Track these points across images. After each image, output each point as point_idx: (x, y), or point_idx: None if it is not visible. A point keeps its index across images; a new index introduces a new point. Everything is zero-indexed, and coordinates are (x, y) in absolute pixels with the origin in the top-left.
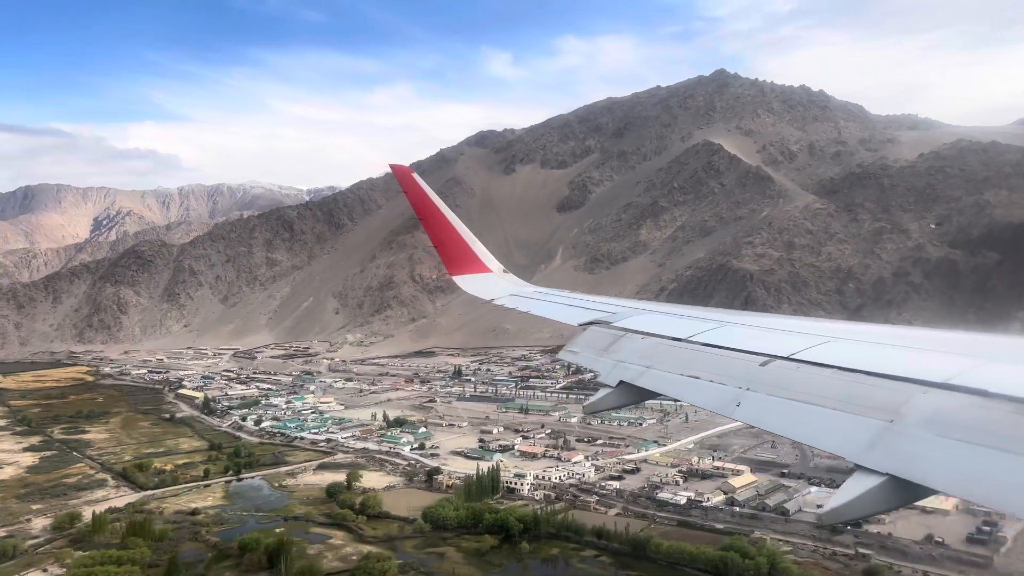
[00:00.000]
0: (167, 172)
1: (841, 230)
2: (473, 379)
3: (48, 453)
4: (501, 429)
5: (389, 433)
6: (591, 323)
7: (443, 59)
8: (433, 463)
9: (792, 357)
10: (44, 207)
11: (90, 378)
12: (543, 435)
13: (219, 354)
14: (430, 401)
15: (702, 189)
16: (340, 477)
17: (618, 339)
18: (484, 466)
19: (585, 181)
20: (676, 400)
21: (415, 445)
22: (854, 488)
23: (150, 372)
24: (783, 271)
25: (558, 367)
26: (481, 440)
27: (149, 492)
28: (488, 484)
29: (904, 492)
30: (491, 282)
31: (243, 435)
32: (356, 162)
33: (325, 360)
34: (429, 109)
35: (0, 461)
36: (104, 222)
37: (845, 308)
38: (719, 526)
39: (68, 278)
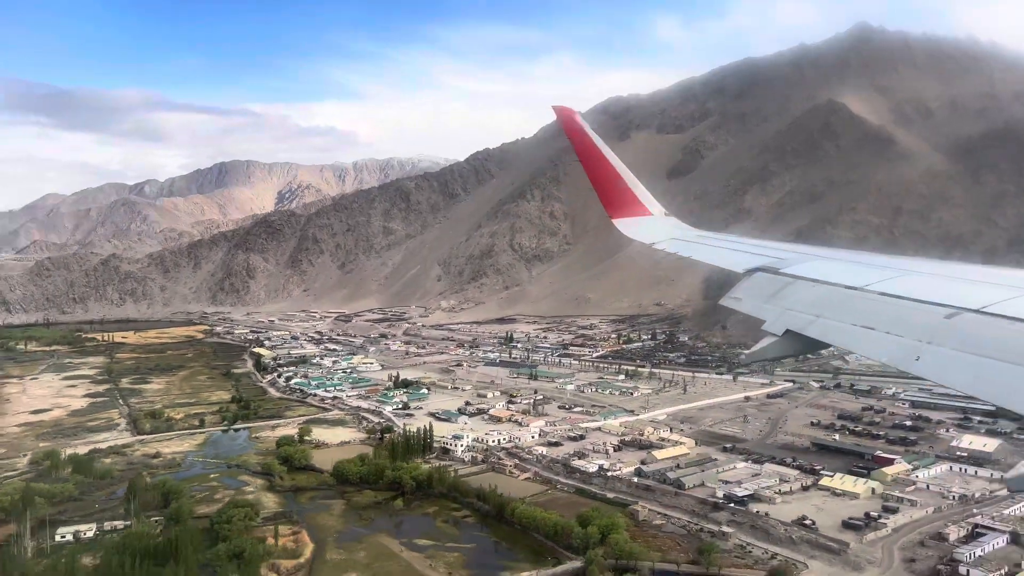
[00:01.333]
0: (345, 148)
1: (960, 194)
2: (519, 346)
3: (100, 400)
4: (497, 394)
5: (387, 393)
6: (757, 269)
7: (608, 26)
8: (405, 422)
9: (984, 310)
10: (236, 181)
11: (200, 336)
12: (530, 400)
13: (325, 317)
14: (457, 364)
15: (816, 152)
16: (316, 431)
17: (786, 286)
18: (449, 427)
19: (699, 146)
20: (847, 351)
21: (399, 406)
22: None
23: (251, 331)
24: (878, 239)
25: (611, 336)
26: (467, 403)
27: (141, 437)
28: (418, 444)
29: None
30: (652, 225)
31: (272, 390)
32: (518, 132)
33: (407, 324)
34: (593, 77)
35: (57, 404)
36: (286, 195)
37: None
38: (610, 495)
39: (208, 245)
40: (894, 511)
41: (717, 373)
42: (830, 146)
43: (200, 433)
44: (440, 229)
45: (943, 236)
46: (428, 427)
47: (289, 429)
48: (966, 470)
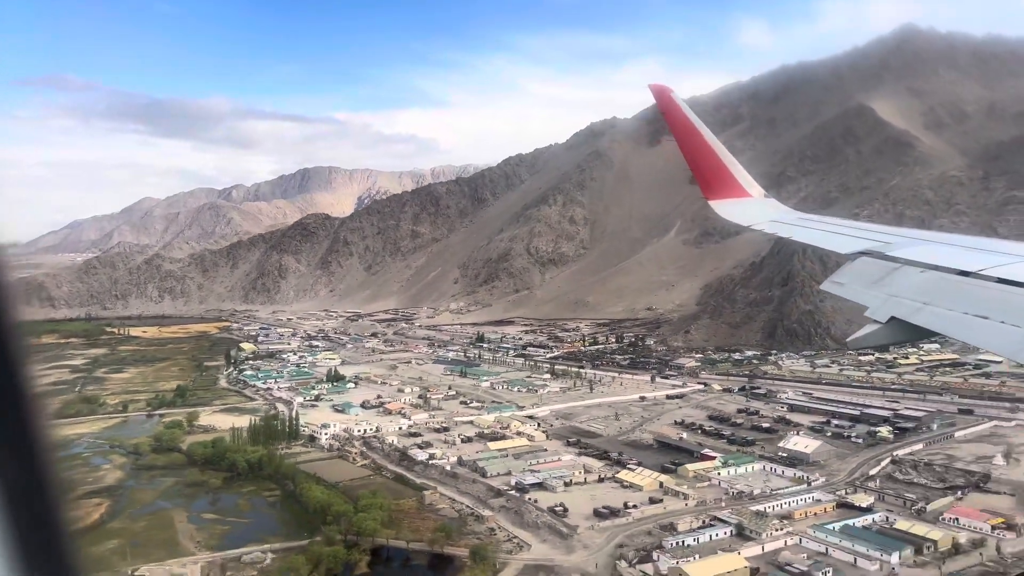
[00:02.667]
0: (425, 154)
1: (967, 200)
2: (485, 345)
3: (60, 387)
4: (415, 389)
5: (311, 386)
6: (861, 253)
7: (694, 31)
8: (296, 411)
9: None
10: (317, 187)
11: (216, 331)
12: (440, 395)
13: (339, 316)
14: (407, 362)
15: (836, 158)
16: (218, 418)
17: (892, 271)
18: (341, 417)
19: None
20: (956, 340)
21: (313, 398)
22: None
23: (260, 327)
24: None
25: (583, 338)
26: (379, 396)
27: (58, 420)
28: (283, 430)
29: None
30: (751, 207)
31: (222, 381)
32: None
33: (404, 324)
34: (678, 83)
35: None
36: (365, 199)
37: None
38: (418, 481)
39: (247, 246)
40: (658, 502)
41: (652, 375)
42: (851, 151)
43: (119, 417)
44: (465, 233)
45: None
46: (294, 415)
47: (205, 416)
48: (776, 469)
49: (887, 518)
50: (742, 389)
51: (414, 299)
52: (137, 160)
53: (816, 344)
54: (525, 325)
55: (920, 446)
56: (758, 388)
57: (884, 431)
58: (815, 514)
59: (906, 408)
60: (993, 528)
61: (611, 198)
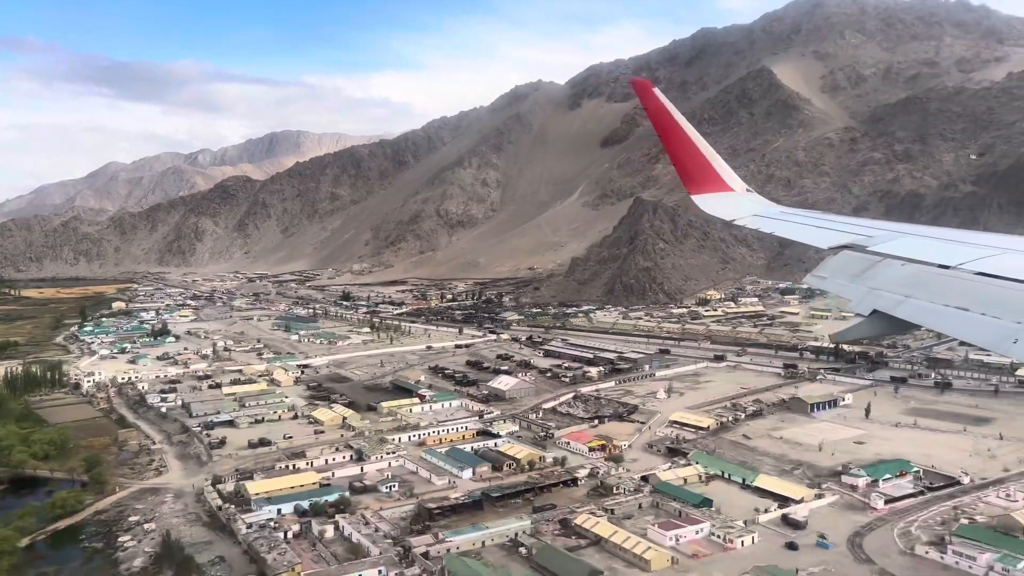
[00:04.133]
0: (399, 119)
1: (832, 161)
2: (345, 304)
3: None
4: (230, 342)
5: (131, 340)
6: (843, 247)
7: None
8: (100, 362)
9: None
10: (285, 151)
11: (112, 292)
12: (247, 347)
13: (242, 278)
14: (250, 319)
15: (731, 120)
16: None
17: (873, 265)
18: (126, 367)
19: (637, 115)
20: (939, 333)
21: (117, 350)
22: None
23: (156, 288)
24: None
25: (446, 296)
26: (185, 348)
27: None
28: (48, 378)
29: None
30: (732, 201)
31: (59, 338)
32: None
33: (295, 285)
34: (657, 46)
35: None
36: None
37: (765, 252)
38: (133, 421)
39: (167, 209)
40: (320, 433)
41: (460, 328)
42: (744, 114)
43: None
44: (384, 195)
45: (798, 204)
46: (57, 364)
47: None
48: (469, 404)
49: (505, 442)
50: (529, 339)
51: (325, 261)
52: (106, 124)
53: (649, 299)
54: (413, 285)
55: (612, 383)
56: (536, 337)
57: (594, 372)
58: (462, 439)
59: (632, 352)
60: (590, 449)
61: (526, 161)
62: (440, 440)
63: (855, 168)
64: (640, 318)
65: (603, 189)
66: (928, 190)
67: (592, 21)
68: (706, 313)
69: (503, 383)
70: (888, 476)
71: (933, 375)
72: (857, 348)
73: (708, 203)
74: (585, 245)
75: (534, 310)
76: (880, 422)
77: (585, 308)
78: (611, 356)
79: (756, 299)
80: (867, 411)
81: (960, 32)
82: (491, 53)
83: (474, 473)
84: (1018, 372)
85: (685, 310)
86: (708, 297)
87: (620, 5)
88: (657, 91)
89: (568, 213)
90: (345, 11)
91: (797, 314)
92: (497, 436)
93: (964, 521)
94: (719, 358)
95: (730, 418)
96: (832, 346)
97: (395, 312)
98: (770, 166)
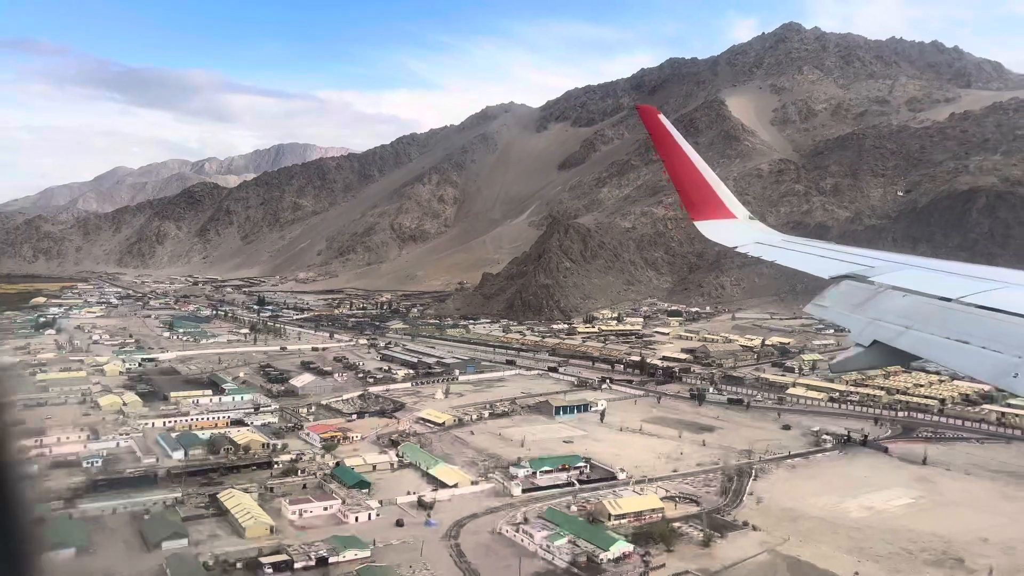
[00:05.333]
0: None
1: (756, 192)
2: (256, 307)
3: None
4: (106, 336)
5: (3, 332)
6: (844, 276)
7: (685, 26)
8: None
9: None
10: (291, 163)
11: (56, 289)
12: (114, 342)
13: (190, 281)
14: (147, 316)
15: None
16: None
17: (875, 295)
18: None
19: (596, 139)
20: (939, 365)
21: None
22: None
23: (97, 288)
24: (661, 231)
25: (364, 306)
26: (56, 340)
27: None
28: None
29: None
30: (735, 229)
31: None
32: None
33: (229, 289)
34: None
35: None
36: None
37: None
38: None
39: (133, 212)
40: (87, 416)
41: (331, 332)
42: (690, 143)
43: None
44: (345, 207)
45: (702, 238)
46: None
47: None
48: (259, 398)
49: (251, 431)
50: (373, 344)
51: (278, 269)
52: (119, 129)
53: (545, 315)
54: (347, 295)
55: (408, 384)
56: (383, 344)
57: (401, 374)
58: (214, 426)
59: (452, 358)
60: (322, 439)
61: (485, 180)
62: (191, 427)
63: (775, 199)
64: (521, 332)
65: (551, 210)
66: (835, 223)
67: (606, 48)
68: (583, 330)
69: (299, 380)
70: (548, 469)
71: (711, 389)
72: (669, 363)
73: (710, 230)
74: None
75: (420, 320)
76: (609, 426)
77: (463, 322)
78: (431, 361)
79: (642, 319)
80: (602, 416)
81: (917, 72)
82: (505, 76)
83: (186, 454)
84: (791, 390)
85: (566, 326)
86: (597, 316)
87: (634, 33)
88: (662, 117)
89: (512, 232)
90: (361, 30)
91: (667, 334)
92: (245, 425)
93: (573, 508)
94: (510, 362)
95: (473, 416)
96: (638, 360)
97: (295, 317)
98: None
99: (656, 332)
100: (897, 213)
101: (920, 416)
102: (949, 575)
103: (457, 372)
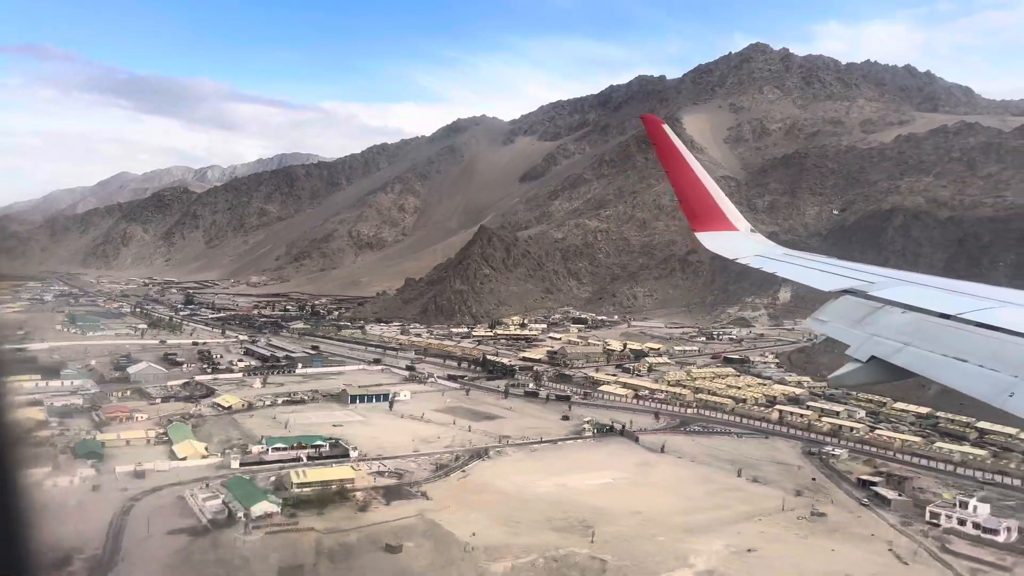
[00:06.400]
0: None
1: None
2: (180, 305)
3: None
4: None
5: None
6: (844, 291)
7: (690, 46)
8: None
9: None
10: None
11: (3, 286)
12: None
13: (142, 282)
14: (59, 311)
15: (627, 164)
16: None
17: (874, 311)
18: None
19: (558, 153)
20: (937, 383)
21: None
22: None
23: (44, 288)
24: (590, 242)
25: (261, 308)
26: None
27: None
28: None
29: None
30: (736, 241)
31: None
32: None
33: (175, 288)
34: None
35: None
36: None
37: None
38: None
39: (103, 214)
40: None
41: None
42: (640, 159)
43: None
44: (310, 214)
45: (644, 243)
46: None
47: None
48: (88, 383)
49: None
50: (241, 340)
51: (236, 272)
52: (128, 136)
53: (456, 320)
54: (293, 299)
55: (240, 375)
56: (250, 340)
57: (240, 365)
58: None
59: (301, 352)
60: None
61: (448, 190)
62: None
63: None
64: (419, 334)
65: (505, 220)
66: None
67: (614, 66)
68: (479, 334)
69: (135, 368)
70: (281, 446)
71: (531, 385)
72: (523, 363)
73: (712, 241)
74: None
75: (325, 322)
76: (395, 414)
77: (369, 324)
78: (282, 356)
79: (544, 326)
80: (391, 404)
81: (877, 95)
82: (512, 91)
83: None
84: (603, 387)
85: (466, 330)
86: (503, 321)
87: (642, 53)
88: (667, 128)
89: (463, 241)
90: (369, 43)
91: (559, 339)
92: (40, 405)
93: (272, 479)
94: (377, 361)
95: (267, 403)
96: (480, 359)
97: (210, 316)
98: (635, 208)
99: (550, 337)
100: (828, 231)
101: (709, 413)
102: (563, 538)
103: (300, 365)
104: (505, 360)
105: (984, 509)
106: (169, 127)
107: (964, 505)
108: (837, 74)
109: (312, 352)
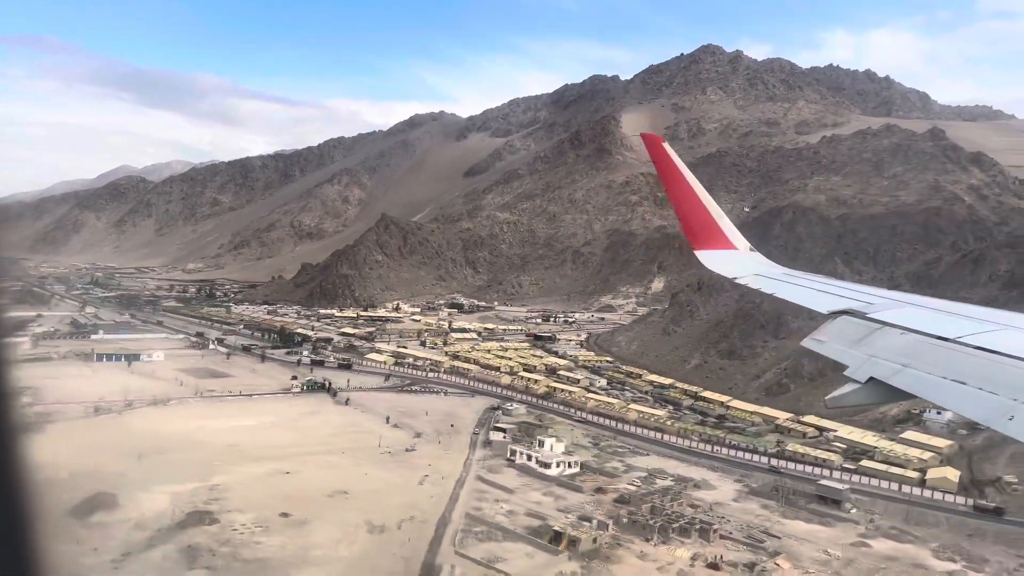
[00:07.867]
0: None
1: (595, 201)
2: (93, 289)
3: None
4: None
5: None
6: (842, 312)
7: (695, 52)
8: None
9: None
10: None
11: None
12: None
13: (81, 268)
14: None
15: (559, 160)
16: None
17: (872, 332)
18: None
19: (504, 150)
20: (935, 405)
21: None
22: None
23: None
24: (495, 233)
25: (176, 290)
26: None
27: None
28: None
29: None
30: (735, 260)
31: None
32: None
33: (119, 275)
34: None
35: None
36: None
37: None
38: None
39: (58, 201)
40: None
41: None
42: (571, 156)
43: None
44: (260, 205)
45: (549, 237)
46: None
47: None
48: None
49: None
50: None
51: (179, 260)
52: (132, 128)
53: (339, 303)
54: (216, 285)
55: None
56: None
57: (41, 330)
58: None
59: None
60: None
61: (395, 184)
62: None
63: (609, 207)
64: (287, 315)
65: (440, 213)
66: (646, 231)
67: (615, 68)
68: (344, 315)
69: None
70: None
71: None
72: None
73: (711, 260)
74: None
75: (203, 303)
76: (130, 371)
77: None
78: (98, 324)
79: (418, 310)
80: (129, 363)
81: (820, 97)
82: (515, 89)
83: None
84: (369, 355)
85: (335, 311)
86: (381, 306)
87: (644, 55)
88: (666, 145)
89: None
90: (374, 41)
91: (419, 321)
92: None
93: None
94: (200, 335)
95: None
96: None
97: (100, 295)
98: (550, 203)
99: (411, 319)
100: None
101: (452, 378)
102: (117, 460)
103: (102, 332)
104: (330, 335)
105: (558, 448)
106: (172, 121)
107: (542, 444)
108: (786, 77)
109: (123, 323)
